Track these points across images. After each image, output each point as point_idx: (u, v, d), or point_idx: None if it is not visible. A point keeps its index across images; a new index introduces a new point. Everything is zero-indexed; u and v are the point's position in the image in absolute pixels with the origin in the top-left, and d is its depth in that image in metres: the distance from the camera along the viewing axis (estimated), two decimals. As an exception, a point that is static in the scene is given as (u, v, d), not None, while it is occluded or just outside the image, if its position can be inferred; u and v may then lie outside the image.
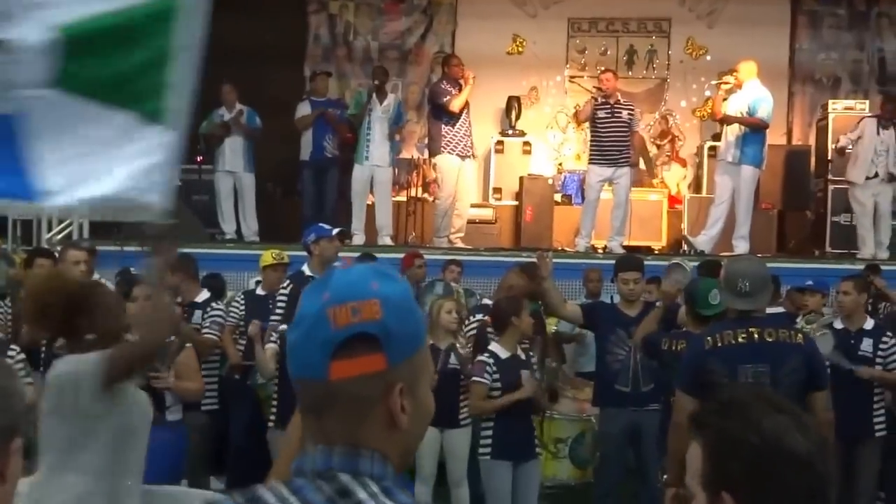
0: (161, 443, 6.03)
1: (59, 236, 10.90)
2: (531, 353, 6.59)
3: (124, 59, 3.18)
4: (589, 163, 11.72)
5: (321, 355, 1.54)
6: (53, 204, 3.23)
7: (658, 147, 13.84)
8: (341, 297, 1.56)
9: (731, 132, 11.20)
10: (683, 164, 13.71)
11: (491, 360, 6.20)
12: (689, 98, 14.35)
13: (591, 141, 11.67)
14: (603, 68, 12.61)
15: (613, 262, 7.80)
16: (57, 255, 8.25)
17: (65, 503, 3.66)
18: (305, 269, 7.56)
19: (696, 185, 13.24)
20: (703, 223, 11.52)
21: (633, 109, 11.74)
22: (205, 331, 7.23)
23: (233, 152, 11.82)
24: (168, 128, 3.20)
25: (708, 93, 13.53)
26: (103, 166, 3.18)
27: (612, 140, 11.43)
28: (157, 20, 3.15)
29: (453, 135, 11.68)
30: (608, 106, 11.44)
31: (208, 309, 7.32)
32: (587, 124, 11.87)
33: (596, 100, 11.52)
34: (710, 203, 11.61)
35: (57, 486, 3.66)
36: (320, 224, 8.16)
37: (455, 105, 11.53)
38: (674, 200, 13.02)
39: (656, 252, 11.69)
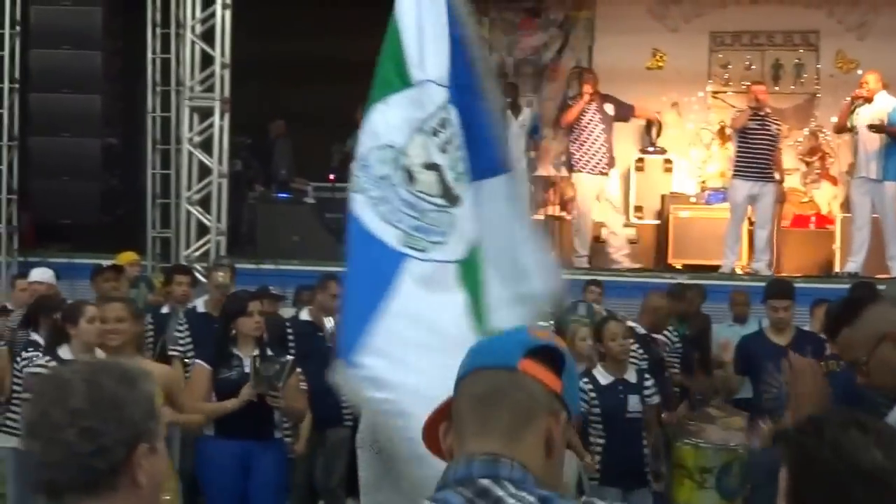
0: (269, 461, 5.97)
1: (197, 253, 10.99)
2: (646, 376, 6.36)
3: None
4: (734, 177, 11.28)
5: (516, 350, 1.78)
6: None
7: (807, 164, 13.27)
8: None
9: (870, 146, 10.71)
10: (834, 182, 13.12)
11: (588, 387, 6.03)
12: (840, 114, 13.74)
13: (738, 153, 11.21)
14: (748, 82, 12.23)
15: (759, 284, 7.50)
16: (200, 272, 8.50)
17: None
18: None
19: (848, 205, 12.64)
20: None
21: (780, 124, 11.45)
22: None
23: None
24: None
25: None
26: None
27: (761, 153, 11.04)
28: None
29: (584, 151, 11.48)
30: (759, 117, 11.07)
31: None
32: (732, 138, 11.51)
33: (751, 109, 11.13)
34: (859, 224, 11.11)
35: None
36: None
37: (567, 117, 11.43)
38: (824, 220, 12.50)
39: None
